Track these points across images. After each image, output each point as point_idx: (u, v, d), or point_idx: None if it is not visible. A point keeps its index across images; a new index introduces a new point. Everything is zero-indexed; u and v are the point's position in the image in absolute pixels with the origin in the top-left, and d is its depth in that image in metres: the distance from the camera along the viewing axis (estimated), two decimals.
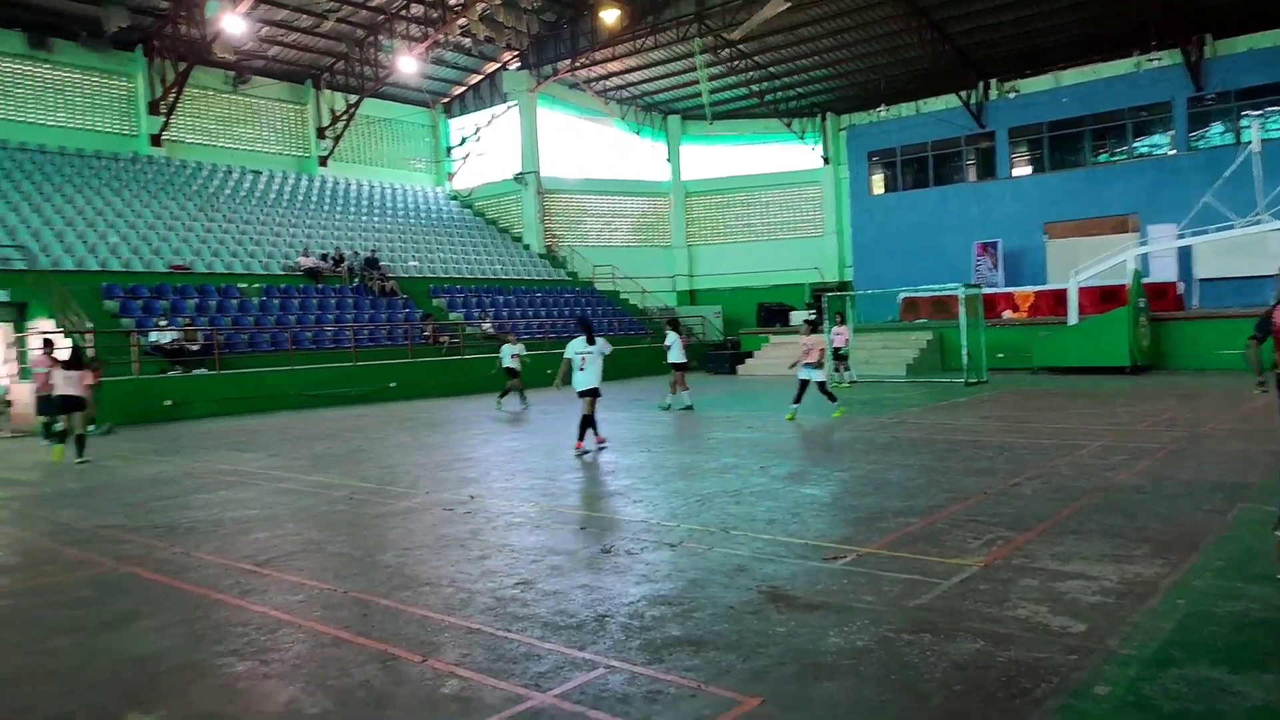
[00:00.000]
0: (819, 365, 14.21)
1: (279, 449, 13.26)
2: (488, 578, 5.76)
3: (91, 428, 14.56)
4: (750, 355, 28.47)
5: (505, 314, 28.87)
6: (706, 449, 11.50)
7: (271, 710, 3.85)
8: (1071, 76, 31.10)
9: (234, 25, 26.87)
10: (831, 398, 14.37)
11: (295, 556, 6.56)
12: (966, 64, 31.88)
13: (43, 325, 19.26)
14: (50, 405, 13.46)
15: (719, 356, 29.07)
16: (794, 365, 14.33)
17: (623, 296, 35.44)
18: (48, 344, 14.81)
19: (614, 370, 19.04)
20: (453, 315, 27.77)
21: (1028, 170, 31.88)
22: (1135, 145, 29.75)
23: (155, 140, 30.26)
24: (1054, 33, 29.90)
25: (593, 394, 11.45)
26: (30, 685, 4.29)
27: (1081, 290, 23.32)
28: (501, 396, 18.26)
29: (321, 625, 4.95)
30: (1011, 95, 31.48)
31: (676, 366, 16.39)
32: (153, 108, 29.93)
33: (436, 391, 22.78)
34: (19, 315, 20.41)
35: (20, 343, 19.85)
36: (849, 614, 4.78)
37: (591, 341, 11.45)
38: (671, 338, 16.70)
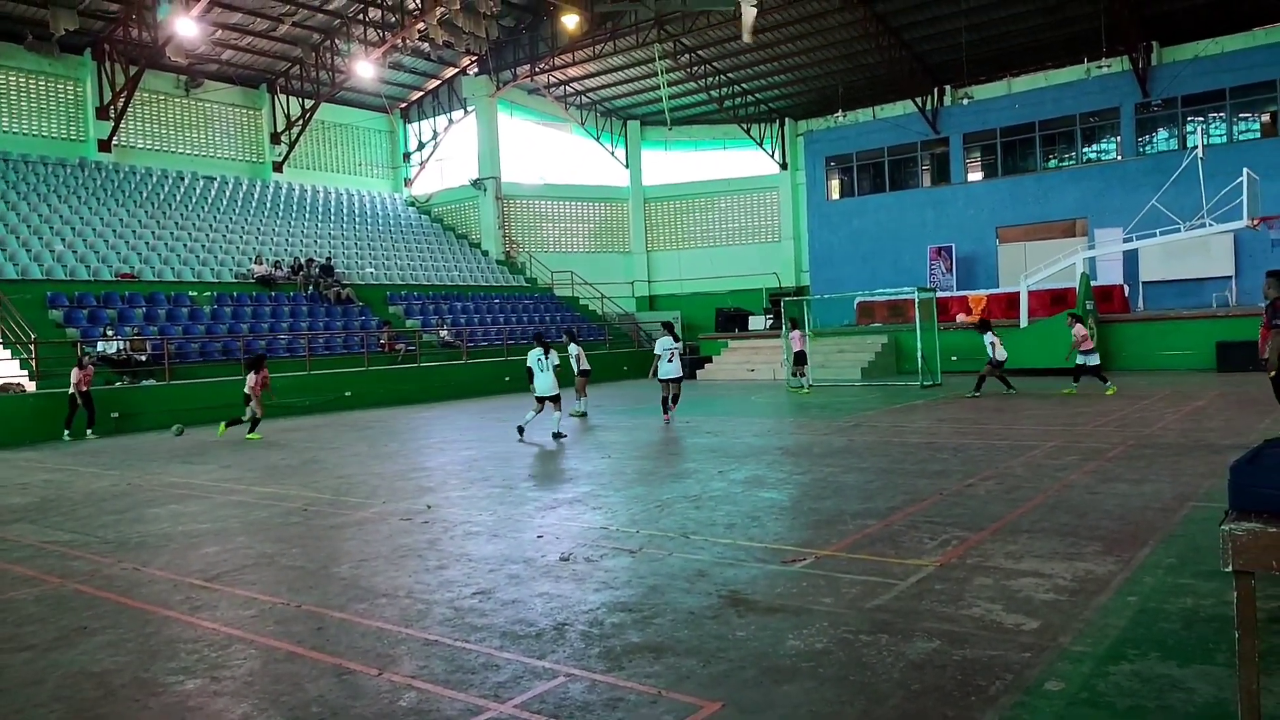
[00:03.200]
0: (1092, 351, 16.38)
1: (231, 460, 13.01)
2: (445, 588, 5.70)
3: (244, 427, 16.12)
4: (709, 360, 28.58)
5: (464, 321, 28.66)
6: (665, 454, 11.51)
7: None
8: (1024, 83, 31.77)
9: (186, 29, 26.35)
10: (1076, 378, 16.75)
11: (247, 570, 6.43)
12: (922, 70, 32.41)
13: None
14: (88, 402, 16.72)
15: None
16: (1074, 349, 16.49)
17: (582, 302, 35.39)
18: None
19: (566, 378, 19.20)
20: (410, 323, 27.50)
21: (980, 175, 32.46)
22: (1084, 151, 30.46)
23: (104, 145, 29.59)
24: (1008, 39, 30.55)
25: (677, 381, 14.97)
26: None
27: (1032, 293, 23.79)
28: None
29: (274, 640, 4.85)
30: (965, 101, 32.06)
31: (582, 374, 17.71)
32: (101, 112, 29.27)
33: (393, 400, 22.52)
34: None
35: None
36: (808, 616, 4.80)
37: (677, 340, 15.15)
38: (575, 349, 17.86)
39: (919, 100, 32.27)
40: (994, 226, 31.38)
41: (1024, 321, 23.26)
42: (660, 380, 15.15)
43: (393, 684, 4.14)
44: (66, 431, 16.85)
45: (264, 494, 9.76)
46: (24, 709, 4.07)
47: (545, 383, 13.58)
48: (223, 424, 16.13)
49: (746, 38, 26.68)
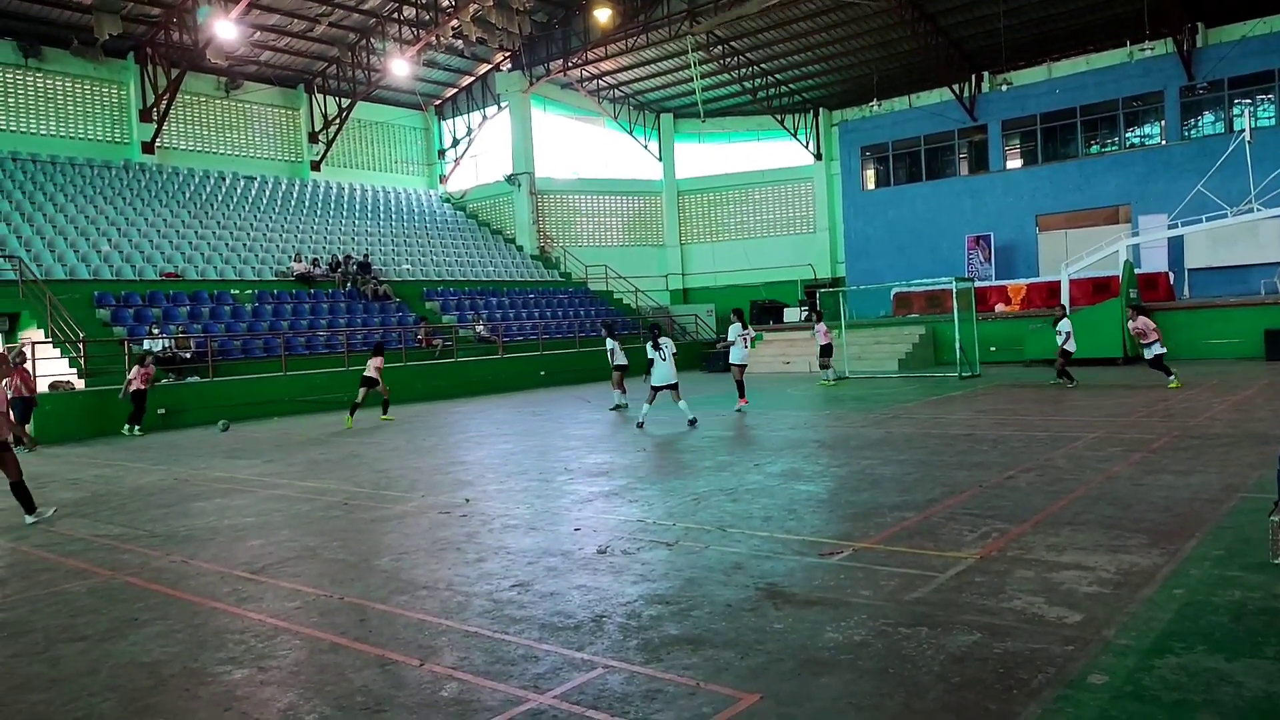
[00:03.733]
0: (1153, 343, 15.40)
1: (273, 455, 13.24)
2: (485, 580, 5.76)
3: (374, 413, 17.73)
4: None
5: (499, 316, 28.86)
6: (700, 447, 11.50)
7: (269, 717, 3.85)
8: (1064, 68, 31.19)
9: (226, 31, 26.81)
10: (1168, 371, 15.42)
11: (291, 563, 6.55)
12: (960, 56, 31.94)
13: (34, 335, 19.21)
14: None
15: (715, 355, 29.03)
16: (1146, 344, 15.53)
17: (616, 296, 35.45)
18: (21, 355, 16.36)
19: (595, 373, 19.44)
20: (446, 318, 27.75)
21: (1019, 163, 31.95)
22: (1127, 136, 29.83)
23: (147, 147, 30.22)
24: (1047, 23, 29.98)
25: (741, 368, 15.98)
26: (35, 694, 4.28)
27: (1074, 282, 23.38)
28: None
29: (318, 631, 4.94)
30: (1004, 88, 31.56)
31: (618, 368, 17.89)
32: (144, 115, 29.89)
33: (430, 395, 22.75)
34: (10, 326, 20.37)
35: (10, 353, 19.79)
36: (846, 609, 4.78)
37: (746, 326, 16.08)
38: (611, 343, 18.16)
39: (956, 87, 31.82)
40: (1034, 214, 30.86)
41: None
42: (735, 365, 15.90)
43: (434, 675, 4.20)
44: (136, 427, 17.22)
45: (305, 488, 9.93)
46: (79, 697, 4.20)
47: (663, 372, 13.86)
48: (349, 416, 16.84)
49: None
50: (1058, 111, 30.48)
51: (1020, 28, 29.95)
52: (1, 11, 26.39)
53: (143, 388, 17.26)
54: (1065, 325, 17.05)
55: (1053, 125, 30.83)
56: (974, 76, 32.40)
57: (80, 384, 18.43)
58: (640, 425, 13.69)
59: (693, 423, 13.52)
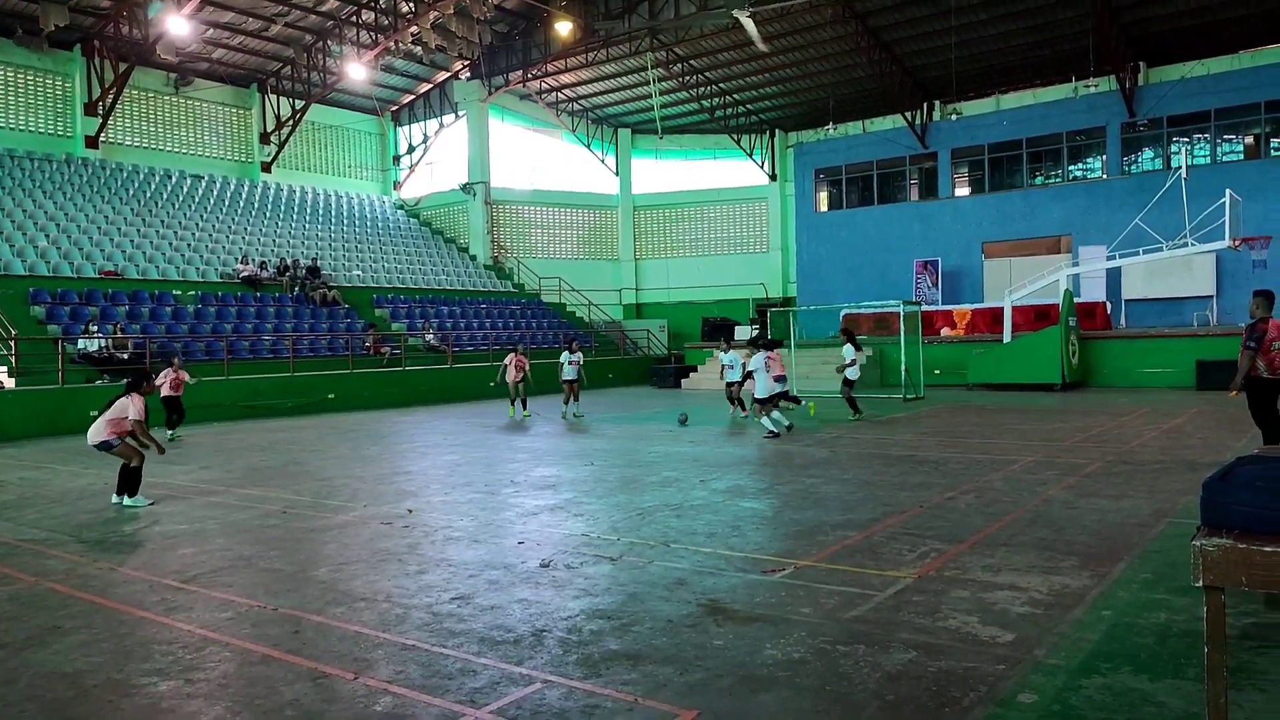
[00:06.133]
0: (781, 378, 14.79)
1: (211, 461, 12.93)
2: (424, 593, 5.69)
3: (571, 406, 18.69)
4: (694, 369, 28.60)
5: (450, 325, 28.61)
6: (647, 463, 11.51)
7: None
8: (1012, 100, 32.06)
9: (178, 27, 26.25)
10: (798, 401, 16.60)
11: (224, 572, 6.39)
12: (913, 85, 32.65)
13: None
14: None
15: (663, 370, 29.15)
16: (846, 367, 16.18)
17: (569, 309, 35.39)
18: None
19: (546, 385, 19.70)
20: (396, 326, 27.43)
21: (967, 191, 32.70)
22: (1070, 168, 30.75)
23: (91, 142, 29.43)
24: (997, 56, 30.81)
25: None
26: None
27: (1016, 309, 23.96)
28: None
29: (250, 643, 4.82)
30: (954, 117, 32.32)
31: (570, 382, 18.59)
32: (89, 109, 29.12)
33: (376, 403, 22.44)
34: None
35: None
36: (786, 626, 4.82)
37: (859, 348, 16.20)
38: (565, 356, 18.80)
39: (908, 115, 32.49)
40: (980, 242, 31.61)
41: (1008, 336, 23.42)
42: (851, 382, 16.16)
43: (369, 688, 4.13)
44: (170, 432, 15.83)
45: (244, 496, 9.71)
46: None
47: (764, 384, 14.10)
48: (521, 409, 18.58)
49: (762, 46, 27.04)
50: (1005, 142, 31.32)
51: (971, 60, 30.72)
52: None
53: (174, 394, 15.85)
54: (849, 352, 15.93)
55: (1000, 155, 31.66)
56: (926, 105, 33.14)
57: (11, 383, 17.81)
58: (775, 434, 13.71)
59: (789, 428, 14.25)
